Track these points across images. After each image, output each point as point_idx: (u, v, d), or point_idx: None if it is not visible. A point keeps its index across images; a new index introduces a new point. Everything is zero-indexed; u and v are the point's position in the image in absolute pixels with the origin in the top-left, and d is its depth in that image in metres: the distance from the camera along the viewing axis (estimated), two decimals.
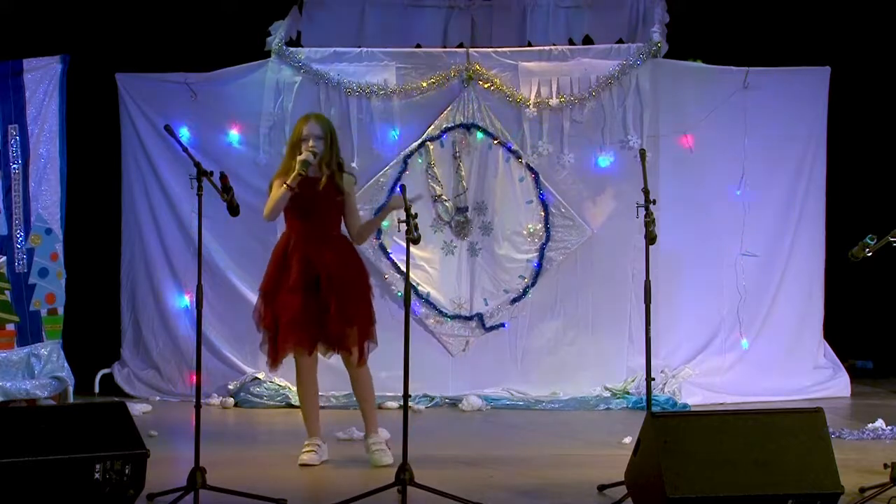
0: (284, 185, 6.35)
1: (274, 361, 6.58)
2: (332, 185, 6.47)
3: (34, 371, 7.99)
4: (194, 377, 5.90)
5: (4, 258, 8.11)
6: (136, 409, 7.99)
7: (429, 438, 6.79)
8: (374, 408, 6.71)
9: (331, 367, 8.85)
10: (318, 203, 6.46)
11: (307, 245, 6.45)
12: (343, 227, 6.57)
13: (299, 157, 6.36)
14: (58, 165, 8.28)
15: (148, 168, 8.87)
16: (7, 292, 8.11)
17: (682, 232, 8.50)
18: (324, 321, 6.42)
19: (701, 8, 9.26)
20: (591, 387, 8.64)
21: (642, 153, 6.17)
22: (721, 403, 8.37)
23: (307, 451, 6.53)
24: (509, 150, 8.72)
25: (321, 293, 6.41)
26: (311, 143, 6.41)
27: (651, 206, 5.98)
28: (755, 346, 8.79)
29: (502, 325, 8.76)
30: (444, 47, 9.19)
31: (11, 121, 8.15)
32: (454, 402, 8.55)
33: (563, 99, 8.66)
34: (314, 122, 6.52)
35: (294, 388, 8.57)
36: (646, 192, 6.00)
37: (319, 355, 6.63)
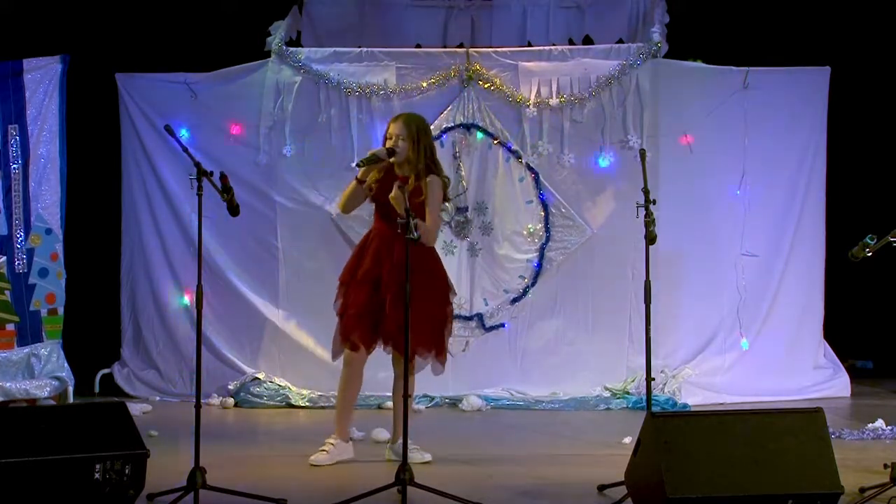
0: (355, 179, 6.43)
1: (338, 352, 6.59)
2: (417, 186, 6.39)
3: (34, 371, 8.00)
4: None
5: (4, 258, 8.11)
6: (136, 409, 7.98)
7: (429, 438, 6.78)
8: (402, 414, 6.68)
9: (330, 368, 8.87)
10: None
11: (382, 243, 6.47)
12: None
13: (371, 150, 6.44)
14: (58, 165, 8.28)
15: (148, 168, 8.87)
16: (7, 292, 8.11)
17: (682, 232, 8.50)
18: (381, 319, 6.44)
19: (701, 8, 9.26)
20: (591, 387, 8.64)
21: (642, 153, 6.17)
22: (721, 403, 8.37)
23: (321, 451, 6.51)
24: (509, 150, 8.72)
25: (379, 292, 6.43)
26: (393, 140, 6.43)
27: (651, 206, 5.98)
28: (755, 346, 8.79)
29: (502, 325, 8.76)
30: (444, 47, 9.19)
31: (11, 121, 8.15)
32: (454, 402, 8.55)
33: (563, 99, 8.66)
34: (401, 121, 6.53)
35: (294, 389, 8.62)
36: (646, 192, 6.00)
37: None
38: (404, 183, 6.14)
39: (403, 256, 6.21)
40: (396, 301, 6.32)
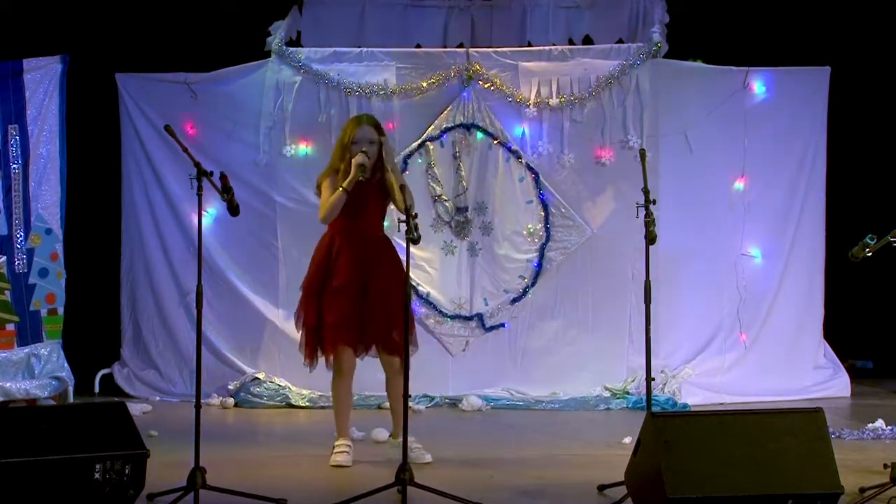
0: (340, 189, 6.36)
1: (312, 360, 6.58)
2: (382, 186, 6.47)
3: (34, 371, 8.00)
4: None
5: (4, 258, 8.11)
6: (136, 409, 7.98)
7: (429, 438, 6.78)
8: (401, 413, 6.69)
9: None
10: (368, 204, 6.48)
11: (355, 246, 6.47)
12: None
13: (355, 161, 6.36)
14: (58, 165, 8.28)
15: (148, 168, 8.87)
16: (7, 292, 8.11)
17: (682, 232, 8.50)
18: (368, 322, 6.44)
19: (701, 8, 9.26)
20: (591, 387, 8.64)
21: (642, 153, 6.17)
22: (721, 403, 8.37)
23: (340, 453, 6.51)
24: (509, 150, 8.72)
25: (368, 295, 6.43)
26: (363, 145, 6.43)
27: (651, 206, 5.99)
28: (755, 346, 8.79)
29: (502, 325, 8.75)
30: (444, 47, 9.19)
31: (11, 121, 8.15)
32: (454, 402, 8.55)
33: (563, 99, 8.66)
34: (366, 124, 6.53)
35: (294, 389, 8.62)
36: (646, 192, 6.00)
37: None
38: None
39: (385, 258, 6.47)
40: (384, 301, 6.38)
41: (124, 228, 8.98)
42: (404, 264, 5.98)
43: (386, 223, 8.59)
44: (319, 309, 6.49)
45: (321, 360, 6.59)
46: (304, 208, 8.73)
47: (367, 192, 6.45)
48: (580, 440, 7.47)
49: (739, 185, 8.78)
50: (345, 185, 6.37)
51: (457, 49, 9.04)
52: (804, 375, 8.81)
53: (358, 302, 6.44)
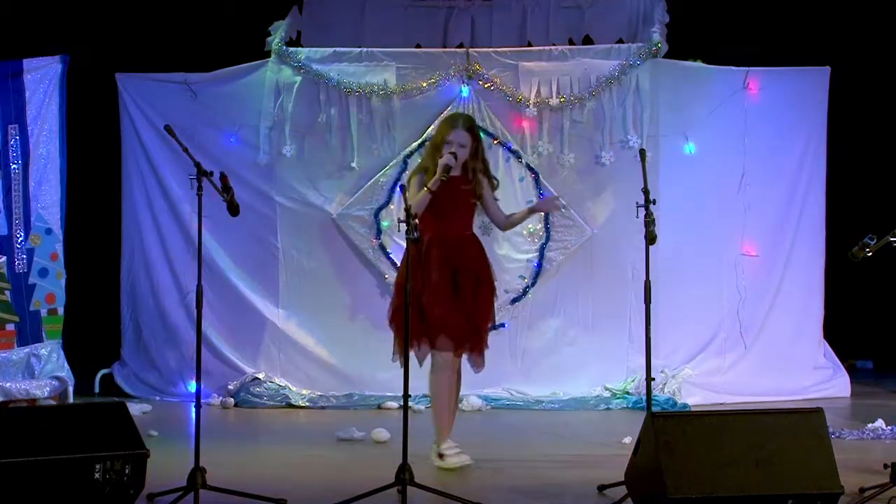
0: (425, 189, 6.36)
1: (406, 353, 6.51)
2: (472, 187, 6.50)
3: (34, 371, 8.00)
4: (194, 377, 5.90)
5: (4, 258, 8.11)
6: (136, 409, 7.98)
7: (429, 438, 6.78)
8: (455, 413, 6.70)
9: (330, 368, 8.86)
10: (457, 203, 6.49)
11: (444, 245, 6.44)
12: (475, 228, 6.65)
13: (441, 161, 6.38)
14: (58, 165, 8.28)
15: (148, 168, 8.87)
16: (7, 292, 8.11)
17: (682, 232, 8.50)
18: (464, 319, 6.44)
19: (701, 8, 9.27)
20: (591, 387, 8.64)
21: (642, 153, 6.16)
22: (721, 403, 8.37)
23: (459, 453, 6.46)
24: (509, 150, 8.72)
25: (459, 292, 6.42)
26: (453, 147, 6.43)
27: (651, 206, 5.98)
28: (755, 346, 8.79)
29: (502, 324, 8.74)
30: (444, 47, 9.19)
31: (11, 121, 8.15)
32: None
33: (563, 99, 8.66)
34: (461, 128, 6.53)
35: (294, 389, 8.62)
36: (646, 192, 6.00)
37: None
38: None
39: (474, 256, 6.49)
40: (477, 304, 6.43)
41: (124, 228, 8.99)
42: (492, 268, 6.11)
43: (385, 223, 8.66)
44: (418, 304, 6.40)
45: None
46: (304, 208, 8.74)
47: (456, 193, 6.45)
48: (580, 440, 7.47)
49: (739, 184, 8.77)
50: (429, 185, 6.35)
51: (457, 49, 9.03)
52: (804, 375, 8.81)
53: (454, 298, 6.41)
